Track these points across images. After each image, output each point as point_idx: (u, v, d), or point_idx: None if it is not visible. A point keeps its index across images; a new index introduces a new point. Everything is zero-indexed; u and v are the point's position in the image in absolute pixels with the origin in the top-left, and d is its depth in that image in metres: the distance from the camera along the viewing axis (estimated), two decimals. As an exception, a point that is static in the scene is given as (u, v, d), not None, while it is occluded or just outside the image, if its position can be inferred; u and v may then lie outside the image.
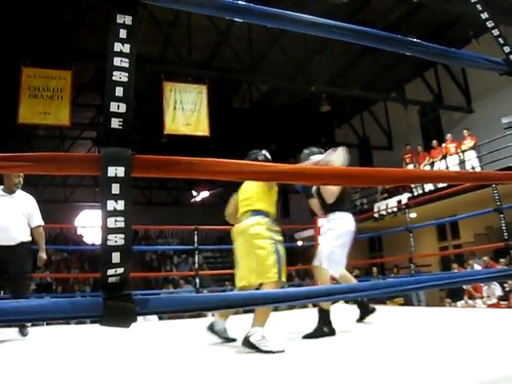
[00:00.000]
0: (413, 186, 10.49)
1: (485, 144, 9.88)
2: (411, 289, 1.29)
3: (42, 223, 4.10)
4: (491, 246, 6.62)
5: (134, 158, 0.93)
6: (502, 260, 7.73)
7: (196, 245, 6.54)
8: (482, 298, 8.03)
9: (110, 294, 0.89)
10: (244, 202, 3.13)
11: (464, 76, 12.08)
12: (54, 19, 9.17)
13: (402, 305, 6.58)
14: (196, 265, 6.81)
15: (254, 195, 3.10)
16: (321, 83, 11.08)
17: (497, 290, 7.98)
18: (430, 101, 12.47)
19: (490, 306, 7.20)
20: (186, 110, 10.13)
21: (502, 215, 4.66)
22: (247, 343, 2.66)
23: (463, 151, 10.33)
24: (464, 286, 9.04)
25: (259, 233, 2.96)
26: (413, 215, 9.69)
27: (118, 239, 0.88)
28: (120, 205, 0.89)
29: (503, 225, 4.66)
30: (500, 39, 1.63)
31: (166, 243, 17.01)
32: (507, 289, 7.61)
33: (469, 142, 10.24)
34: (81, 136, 15.46)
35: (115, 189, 0.89)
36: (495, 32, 1.64)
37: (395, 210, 10.46)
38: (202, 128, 10.19)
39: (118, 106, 0.92)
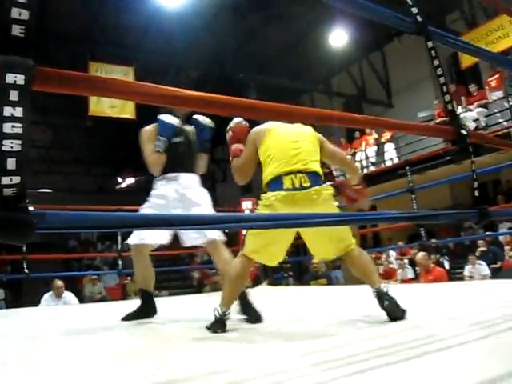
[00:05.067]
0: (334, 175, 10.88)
1: (402, 137, 10.46)
2: (315, 223, 1.35)
3: None
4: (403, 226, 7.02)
5: (35, 69, 0.91)
6: (414, 244, 8.20)
7: (118, 227, 6.33)
8: (396, 280, 8.49)
9: (5, 206, 0.86)
10: (296, 158, 2.22)
11: (386, 72, 12.69)
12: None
13: (326, 285, 6.86)
14: (119, 246, 6.60)
15: (309, 149, 2.29)
16: (250, 71, 11.19)
17: (409, 272, 8.50)
18: (354, 94, 12.98)
19: (403, 281, 7.79)
20: (112, 92, 9.85)
21: (413, 195, 4.96)
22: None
23: (382, 143, 10.89)
24: (380, 270, 9.58)
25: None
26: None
27: (14, 145, 0.85)
28: (18, 112, 0.86)
29: (414, 205, 4.97)
30: (409, 0, 1.74)
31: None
32: (418, 271, 8.10)
33: (386, 135, 10.78)
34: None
35: (13, 96, 0.86)
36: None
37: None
38: (127, 110, 9.96)
39: (20, 13, 0.89)
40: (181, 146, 2.89)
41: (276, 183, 2.16)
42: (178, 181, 2.85)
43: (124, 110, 9.92)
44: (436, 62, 1.75)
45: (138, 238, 2.75)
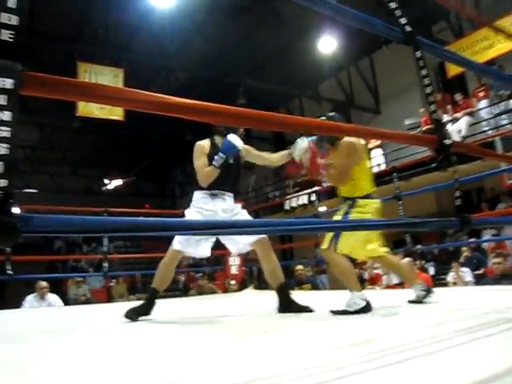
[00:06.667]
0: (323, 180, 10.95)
1: (389, 143, 10.55)
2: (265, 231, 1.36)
3: None
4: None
5: (24, 73, 0.91)
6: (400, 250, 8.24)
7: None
8: (380, 285, 8.54)
9: (-9, 209, 0.86)
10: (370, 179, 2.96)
11: (374, 79, 12.81)
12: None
13: (311, 290, 6.87)
14: (105, 248, 6.55)
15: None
16: (239, 75, 11.22)
17: (394, 278, 8.55)
18: (343, 100, 13.08)
19: (388, 287, 7.83)
20: (101, 93, 9.80)
21: (399, 202, 5.01)
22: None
23: (370, 149, 10.96)
24: (366, 275, 9.65)
25: None
26: (322, 208, 10.16)
27: (1, 149, 0.86)
28: (6, 116, 0.87)
29: (401, 212, 5.01)
30: (397, 12, 1.76)
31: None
32: (404, 277, 8.16)
33: (375, 141, 10.87)
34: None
35: (2, 100, 0.87)
36: (393, 5, 1.76)
37: (306, 202, 10.87)
38: (116, 112, 9.93)
39: (10, 18, 0.90)
40: (231, 168, 3.06)
41: (369, 196, 2.83)
42: (225, 200, 3.08)
43: (113, 111, 9.87)
44: (424, 72, 1.78)
45: (181, 245, 2.98)
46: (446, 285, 7.32)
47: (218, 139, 3.10)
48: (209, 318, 3.14)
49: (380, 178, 9.18)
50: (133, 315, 2.90)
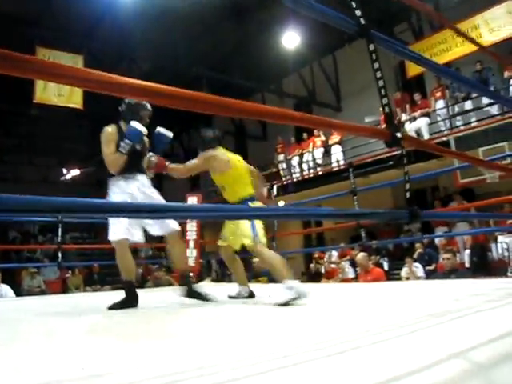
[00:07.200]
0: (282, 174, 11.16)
1: (349, 140, 10.75)
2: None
3: None
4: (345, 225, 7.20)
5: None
6: (355, 244, 8.41)
7: (60, 217, 5.97)
8: (336, 279, 8.72)
9: None
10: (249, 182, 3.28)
11: (336, 76, 12.98)
12: None
13: (268, 283, 6.90)
14: (59, 238, 6.31)
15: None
16: (203, 67, 11.14)
17: (350, 273, 8.75)
18: (305, 96, 13.19)
19: (343, 280, 8.01)
20: (60, 80, 9.54)
21: (355, 197, 5.10)
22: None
23: (330, 145, 11.14)
24: (322, 270, 9.82)
25: None
26: (281, 203, 10.31)
27: None
28: None
29: (356, 206, 5.10)
30: (353, 3, 1.78)
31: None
32: (358, 271, 8.35)
33: (335, 137, 11.05)
34: None
35: None
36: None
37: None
38: (75, 100, 9.69)
39: None
40: (139, 151, 3.14)
41: (251, 199, 3.15)
42: (138, 180, 3.13)
43: (71, 98, 9.63)
44: (376, 65, 1.82)
45: (119, 234, 2.99)
46: (399, 279, 7.54)
47: (123, 125, 3.13)
48: (157, 309, 3.12)
49: (339, 174, 9.51)
50: (117, 308, 2.90)
